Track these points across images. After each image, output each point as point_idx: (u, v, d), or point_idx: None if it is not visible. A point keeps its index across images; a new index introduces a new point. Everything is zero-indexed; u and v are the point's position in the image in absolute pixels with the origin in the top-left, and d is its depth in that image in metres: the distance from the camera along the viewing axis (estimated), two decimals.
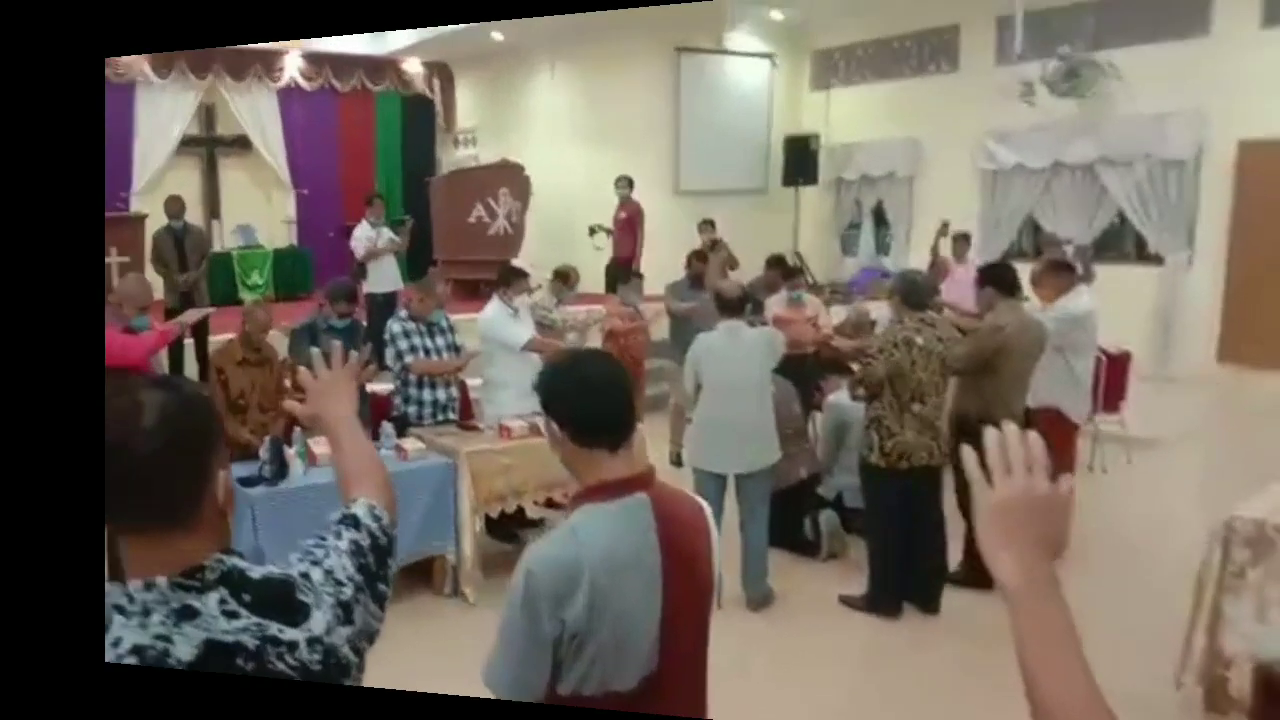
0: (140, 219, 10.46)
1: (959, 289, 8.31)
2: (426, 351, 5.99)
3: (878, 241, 13.20)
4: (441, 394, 6.12)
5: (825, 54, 13.33)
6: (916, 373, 4.89)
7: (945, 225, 9.73)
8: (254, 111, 13.20)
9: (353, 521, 1.56)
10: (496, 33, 12.56)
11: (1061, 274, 6.07)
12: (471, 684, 1.86)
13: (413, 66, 14.39)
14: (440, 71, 14.71)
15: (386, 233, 9.61)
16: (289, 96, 13.44)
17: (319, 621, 1.38)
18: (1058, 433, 5.75)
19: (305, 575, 1.40)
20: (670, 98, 12.63)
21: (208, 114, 13.24)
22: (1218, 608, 4.13)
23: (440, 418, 6.07)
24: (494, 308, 6.35)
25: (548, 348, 6.50)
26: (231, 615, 1.31)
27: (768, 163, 13.15)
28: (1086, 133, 10.93)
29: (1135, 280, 10.54)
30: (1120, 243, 11.28)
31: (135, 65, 12.12)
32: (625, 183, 11.29)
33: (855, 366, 6.48)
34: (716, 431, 5.19)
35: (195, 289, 8.74)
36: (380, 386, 6.32)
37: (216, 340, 7.64)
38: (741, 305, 5.43)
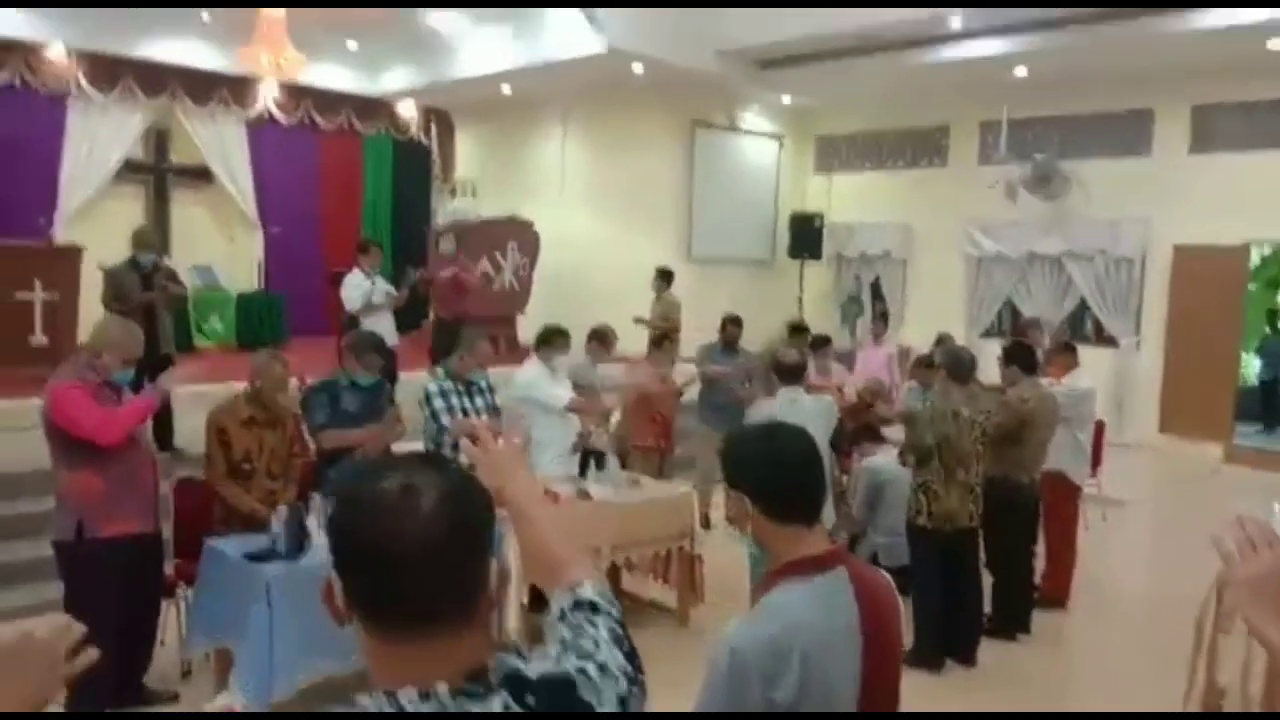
0: (75, 251, 8.29)
1: (870, 368, 8.70)
2: (464, 412, 5.36)
3: (874, 317, 13.42)
4: None
5: (828, 140, 13.59)
6: (961, 442, 5.03)
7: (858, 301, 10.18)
8: (218, 140, 11.07)
9: (593, 608, 1.30)
10: (506, 86, 11.58)
11: (1068, 354, 6.41)
12: None
13: (407, 110, 12.72)
14: (439, 118, 13.12)
15: (382, 284, 8.01)
16: (260, 128, 11.41)
17: None
18: (1063, 494, 6.11)
19: (583, 672, 1.16)
20: (684, 169, 12.38)
21: (159, 139, 11.20)
22: (1214, 646, 4.51)
23: None
24: (534, 367, 5.90)
25: (590, 408, 6.24)
26: None
27: (775, 236, 13.32)
28: (1055, 230, 11.47)
29: (1095, 359, 10.91)
30: (1082, 326, 11.75)
31: (66, 75, 9.96)
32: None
33: (885, 432, 6.82)
34: None
35: (159, 330, 6.62)
36: (408, 447, 5.39)
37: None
38: (801, 372, 5.31)
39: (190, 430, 5.28)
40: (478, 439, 1.58)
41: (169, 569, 4.66)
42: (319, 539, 4.24)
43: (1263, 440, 11.59)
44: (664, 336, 7.58)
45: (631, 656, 1.24)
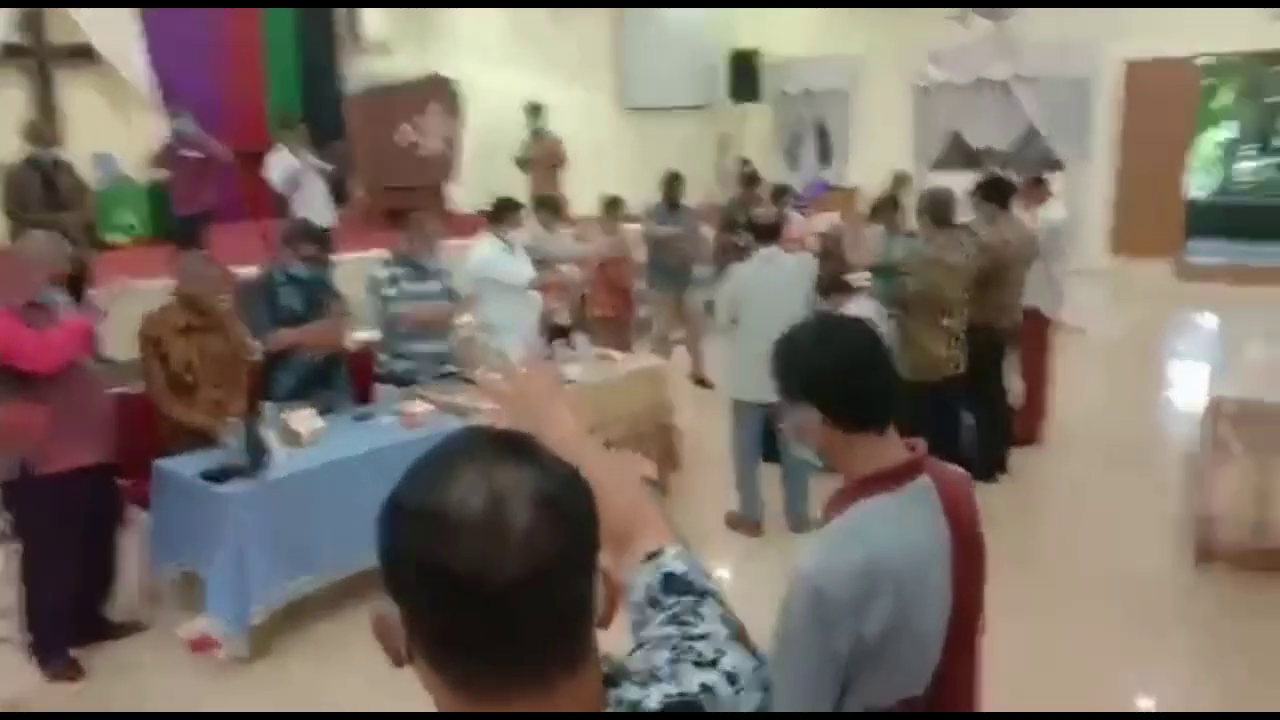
0: None
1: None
2: (419, 298, 4.90)
3: (820, 155, 13.06)
4: (439, 345, 5.03)
5: None
6: (946, 289, 4.85)
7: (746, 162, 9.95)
8: (99, 16, 9.87)
9: (687, 585, 1.05)
10: None
11: (1041, 186, 6.25)
12: None
13: None
14: None
15: (312, 159, 7.62)
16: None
17: None
18: (1037, 329, 6.03)
19: (708, 689, 0.91)
20: (613, 14, 11.72)
21: (30, 17, 9.79)
22: (1208, 476, 4.51)
23: (439, 372, 5.00)
24: (489, 244, 5.48)
25: (554, 286, 5.95)
26: None
27: (714, 78, 12.73)
28: (1003, 54, 11.18)
29: None
30: (1030, 152, 11.64)
31: None
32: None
33: (854, 281, 6.62)
34: (760, 361, 4.63)
35: (78, 241, 5.98)
36: (363, 336, 5.25)
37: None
38: (778, 231, 5.01)
39: (118, 336, 4.86)
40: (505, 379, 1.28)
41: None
42: (279, 451, 4.03)
43: (1212, 255, 11.69)
44: (614, 199, 7.20)
45: (754, 653, 0.99)
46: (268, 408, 4.29)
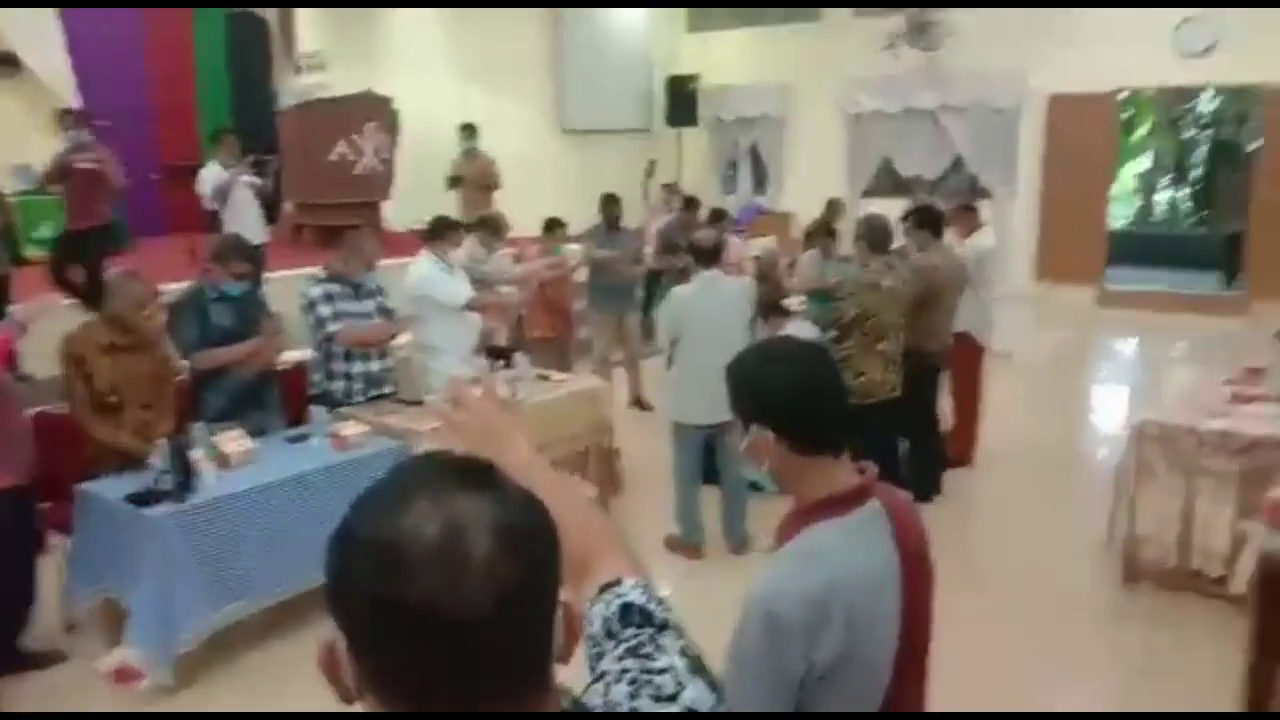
0: None
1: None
2: (354, 317, 4.81)
3: (755, 180, 13.19)
4: (375, 365, 4.95)
5: None
6: (883, 314, 4.92)
7: (652, 164, 10.17)
8: (22, 22, 9.59)
9: (645, 616, 1.03)
10: None
11: (971, 214, 6.40)
12: None
13: None
14: None
15: (246, 175, 7.52)
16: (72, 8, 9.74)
17: None
18: (969, 354, 6.17)
19: None
20: (551, 34, 11.70)
21: None
22: (1134, 498, 4.64)
23: (374, 393, 4.94)
24: (426, 264, 5.36)
25: (492, 306, 5.91)
26: None
27: (651, 102, 12.84)
28: (932, 83, 11.46)
29: None
30: (958, 181, 11.89)
31: None
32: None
33: (790, 305, 6.71)
34: (701, 384, 4.60)
35: None
36: (296, 355, 5.17)
37: None
38: (719, 254, 5.00)
39: (39, 352, 4.68)
40: (459, 401, 1.26)
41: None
42: (208, 473, 3.92)
43: (1131, 282, 12.08)
44: (554, 220, 7.17)
45: (713, 686, 0.96)
46: (197, 428, 4.17)
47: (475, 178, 9.40)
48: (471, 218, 7.47)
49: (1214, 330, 9.71)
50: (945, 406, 6.07)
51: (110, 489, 3.91)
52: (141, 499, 3.76)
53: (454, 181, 9.43)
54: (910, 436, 5.66)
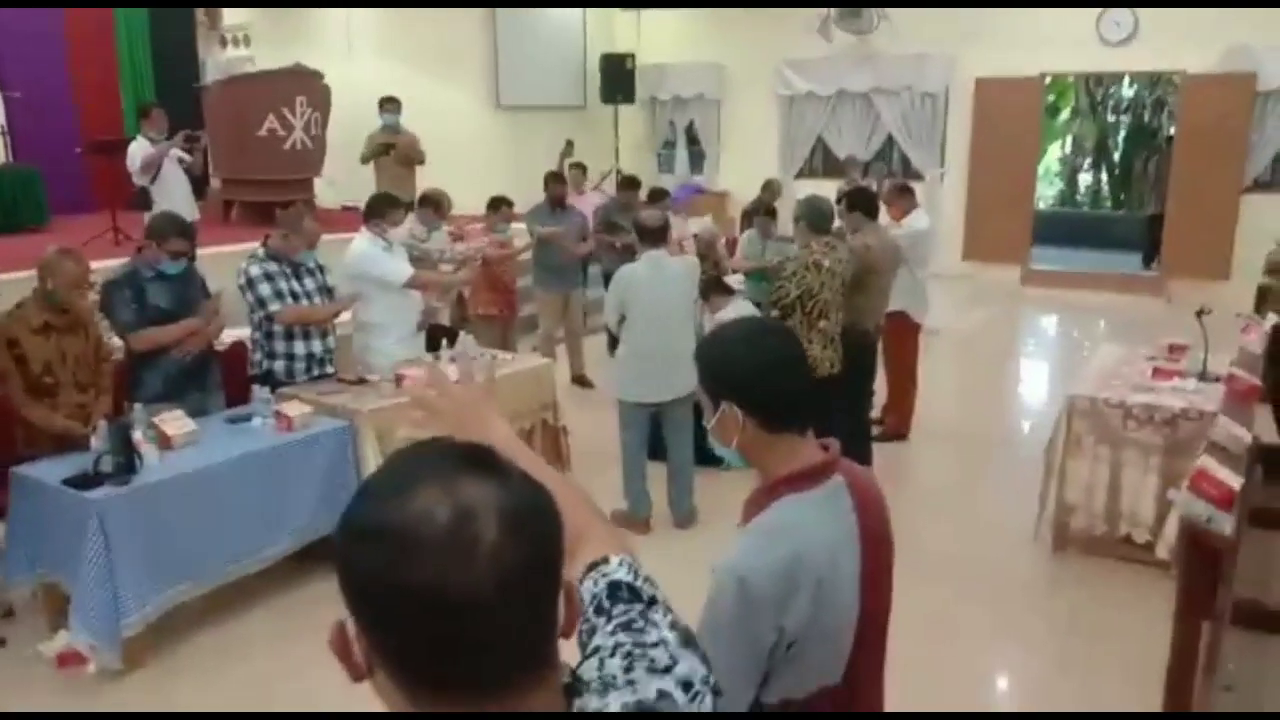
0: None
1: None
2: (295, 296, 4.74)
3: (691, 160, 13.26)
4: (317, 345, 4.89)
5: None
6: (823, 292, 4.99)
7: (569, 144, 10.24)
8: None
9: (633, 593, 1.06)
10: None
11: (907, 195, 6.54)
12: None
13: None
14: None
15: (174, 150, 7.30)
16: None
17: None
18: (904, 333, 6.35)
19: (665, 695, 0.93)
20: (486, 12, 11.55)
21: None
22: (1064, 469, 4.83)
23: (316, 373, 4.90)
24: (365, 241, 5.24)
25: (434, 284, 5.86)
26: None
27: (585, 80, 12.76)
28: (864, 66, 11.64)
29: None
30: (889, 162, 12.16)
31: None
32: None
33: (732, 284, 6.79)
34: (647, 362, 4.83)
35: None
36: (234, 334, 5.10)
37: None
38: (664, 234, 5.05)
39: None
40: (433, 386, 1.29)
41: None
42: (150, 456, 3.87)
43: (1055, 262, 12.46)
44: (500, 199, 7.14)
45: (705, 659, 1.00)
46: (136, 410, 4.10)
47: (399, 153, 9.11)
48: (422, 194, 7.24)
49: (1134, 309, 10.11)
50: (880, 382, 6.22)
51: (47, 472, 3.84)
52: (81, 482, 3.70)
53: (385, 149, 9.11)
54: (842, 412, 5.78)
